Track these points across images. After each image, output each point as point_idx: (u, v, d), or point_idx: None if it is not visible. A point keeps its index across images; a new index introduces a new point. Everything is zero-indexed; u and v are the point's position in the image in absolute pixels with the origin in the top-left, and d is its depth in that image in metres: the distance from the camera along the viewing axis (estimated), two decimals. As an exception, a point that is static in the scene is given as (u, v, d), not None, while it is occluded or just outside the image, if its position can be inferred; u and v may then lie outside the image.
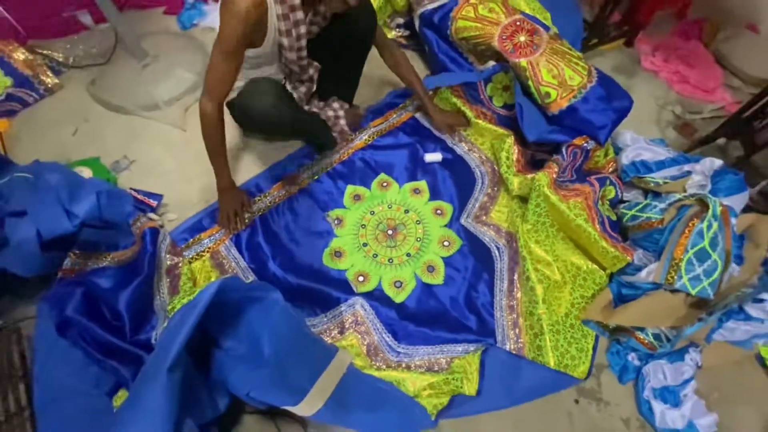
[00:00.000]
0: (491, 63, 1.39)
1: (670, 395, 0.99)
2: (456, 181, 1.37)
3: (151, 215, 1.17)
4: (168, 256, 1.09)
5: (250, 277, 1.14)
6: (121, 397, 0.90)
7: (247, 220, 1.24)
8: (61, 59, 1.54)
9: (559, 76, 1.28)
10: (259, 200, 1.29)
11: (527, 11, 1.48)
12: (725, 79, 1.76)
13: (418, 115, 1.51)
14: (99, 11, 1.63)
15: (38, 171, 1.04)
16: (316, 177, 1.35)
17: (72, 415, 0.86)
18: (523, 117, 1.26)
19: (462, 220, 1.29)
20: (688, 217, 1.04)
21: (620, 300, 1.10)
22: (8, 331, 1.03)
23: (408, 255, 1.23)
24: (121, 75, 1.48)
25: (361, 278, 1.17)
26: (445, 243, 1.25)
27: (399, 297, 1.15)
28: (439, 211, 1.31)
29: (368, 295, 1.14)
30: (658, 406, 0.98)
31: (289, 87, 1.23)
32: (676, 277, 0.99)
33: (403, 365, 1.04)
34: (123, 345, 0.92)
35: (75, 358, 0.92)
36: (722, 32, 1.84)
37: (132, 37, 1.43)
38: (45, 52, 1.52)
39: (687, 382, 1.00)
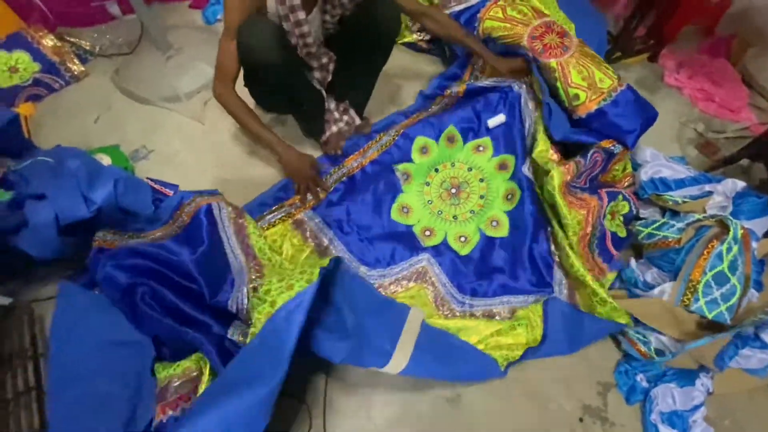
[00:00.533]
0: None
1: (679, 420, 0.96)
2: (520, 131, 1.32)
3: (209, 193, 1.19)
4: (231, 220, 1.10)
5: (329, 235, 1.21)
6: (164, 367, 0.91)
7: (330, 184, 1.28)
8: (87, 47, 1.57)
9: (589, 78, 1.24)
10: (334, 172, 1.32)
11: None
12: (751, 99, 1.73)
13: (469, 84, 1.43)
14: (127, 2, 1.67)
15: (59, 156, 1.06)
16: (383, 149, 1.35)
17: (86, 398, 0.86)
18: (551, 117, 1.24)
19: (524, 170, 1.27)
20: (708, 239, 1.02)
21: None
22: (21, 311, 1.05)
23: (472, 212, 1.27)
24: (145, 66, 1.51)
25: (427, 233, 1.23)
26: (509, 196, 1.27)
27: (464, 250, 1.21)
28: (503, 166, 1.30)
29: (434, 249, 1.21)
30: (665, 431, 0.96)
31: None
32: (692, 300, 0.97)
33: (468, 314, 1.10)
34: (190, 311, 0.94)
35: (97, 339, 0.93)
36: (751, 51, 1.80)
37: (157, 29, 1.45)
38: (73, 39, 1.55)
39: (697, 408, 0.97)
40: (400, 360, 0.88)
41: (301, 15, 1.04)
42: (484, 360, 0.98)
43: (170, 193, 1.20)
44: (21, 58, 1.42)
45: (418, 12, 1.24)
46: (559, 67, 1.27)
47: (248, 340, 0.82)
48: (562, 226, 1.16)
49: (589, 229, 1.14)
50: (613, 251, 1.16)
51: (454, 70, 1.55)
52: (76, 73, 1.50)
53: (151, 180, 1.21)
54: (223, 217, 1.10)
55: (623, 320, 1.03)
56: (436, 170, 1.32)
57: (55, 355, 0.94)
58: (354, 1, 1.14)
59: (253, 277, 0.94)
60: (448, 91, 1.43)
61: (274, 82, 1.13)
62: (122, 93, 1.50)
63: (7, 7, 1.46)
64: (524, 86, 1.35)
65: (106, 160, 1.26)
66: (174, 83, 1.47)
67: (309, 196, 1.25)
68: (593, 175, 1.27)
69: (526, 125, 1.32)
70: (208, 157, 1.37)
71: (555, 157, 1.21)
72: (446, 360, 0.94)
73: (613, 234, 1.20)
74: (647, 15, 1.64)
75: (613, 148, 1.24)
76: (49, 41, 1.46)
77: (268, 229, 1.20)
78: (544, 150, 1.20)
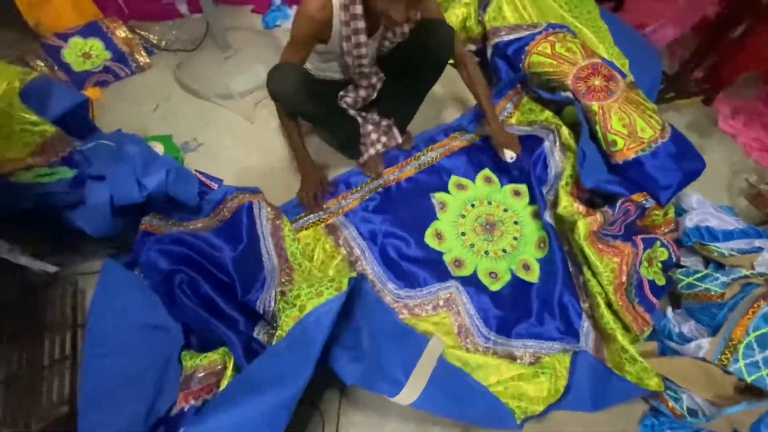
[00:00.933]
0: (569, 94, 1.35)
1: (706, 485, 0.91)
2: (544, 180, 1.36)
3: (251, 191, 1.22)
4: (269, 221, 1.13)
5: (361, 245, 1.22)
6: (192, 356, 0.93)
7: (366, 192, 1.33)
8: (154, 41, 1.67)
9: (630, 125, 1.24)
10: (371, 181, 1.36)
11: (605, 56, 1.46)
12: (811, 154, 1.64)
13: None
14: (194, 2, 1.77)
15: (120, 141, 1.13)
16: (421, 168, 1.41)
17: (116, 374, 0.90)
18: (584, 164, 1.23)
19: (546, 216, 1.27)
20: (754, 297, 0.98)
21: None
22: (66, 282, 1.11)
23: (504, 251, 1.26)
24: (205, 63, 1.59)
25: (457, 263, 1.22)
26: (541, 245, 1.27)
27: (494, 286, 1.19)
28: (537, 214, 1.31)
29: (464, 280, 1.19)
30: (690, 494, 0.91)
31: (350, 89, 1.27)
32: (731, 360, 0.93)
33: (490, 352, 1.07)
34: (222, 305, 0.97)
35: (133, 319, 0.97)
36: (815, 104, 1.72)
37: (221, 29, 1.53)
38: (142, 32, 1.66)
39: (727, 474, 0.92)
40: (411, 392, 0.86)
41: (363, 38, 1.08)
42: (500, 408, 0.94)
43: (215, 186, 1.25)
44: (95, 45, 1.52)
45: (458, 58, 1.28)
46: (600, 111, 1.26)
47: (274, 342, 0.84)
48: (594, 274, 1.12)
49: (624, 278, 1.10)
50: (653, 300, 1.12)
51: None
52: (141, 63, 1.60)
53: (199, 172, 1.26)
54: (261, 216, 1.14)
55: (653, 384, 0.98)
56: (473, 205, 1.34)
57: (92, 328, 0.98)
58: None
59: (283, 280, 0.96)
60: (479, 131, 1.47)
61: (308, 118, 1.24)
62: (181, 86, 1.58)
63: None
64: (552, 134, 1.36)
65: (159, 148, 1.33)
66: (229, 82, 1.54)
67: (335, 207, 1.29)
68: (630, 221, 1.24)
69: (551, 174, 1.34)
70: (254, 156, 1.42)
71: (581, 209, 1.19)
72: (459, 400, 0.92)
73: (651, 282, 1.16)
74: (706, 58, 1.61)
75: (645, 202, 1.21)
76: (121, 32, 1.56)
77: (300, 231, 1.23)
78: (568, 205, 1.20)
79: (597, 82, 1.30)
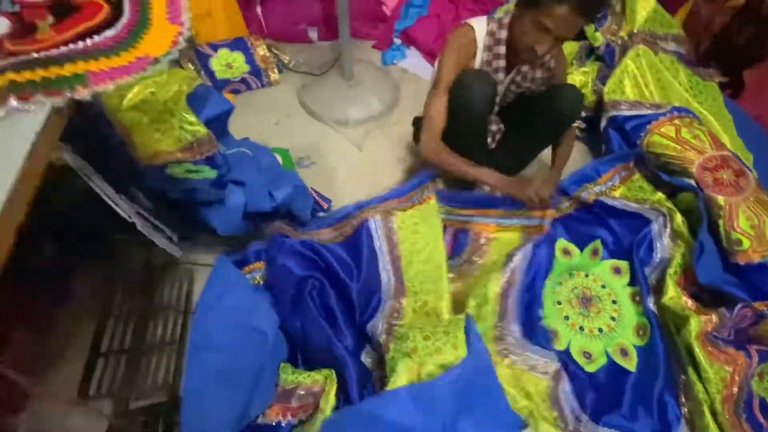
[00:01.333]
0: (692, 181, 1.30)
1: None
2: (648, 264, 1.28)
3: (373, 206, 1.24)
4: (384, 239, 1.14)
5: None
6: (293, 371, 0.96)
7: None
8: (285, 61, 1.83)
9: (758, 227, 1.17)
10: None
11: (729, 147, 1.41)
12: None
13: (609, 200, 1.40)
14: (323, 31, 1.93)
15: (257, 152, 1.23)
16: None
17: (218, 367, 0.94)
18: (701, 258, 1.17)
19: (649, 303, 1.20)
20: None
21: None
22: (182, 268, 1.20)
23: (600, 330, 1.20)
24: (327, 88, 1.71)
25: (551, 335, 1.18)
26: (640, 332, 1.20)
27: (589, 367, 1.14)
28: (637, 299, 1.25)
29: (557, 353, 1.13)
30: None
31: None
32: None
33: None
34: (340, 320, 1.01)
35: (236, 318, 1.02)
36: None
37: (349, 60, 1.64)
38: (276, 52, 1.81)
39: None
40: None
41: (501, 76, 1.14)
42: None
43: (325, 205, 1.32)
44: (237, 58, 1.68)
45: None
46: (727, 207, 1.21)
47: (388, 386, 0.83)
48: (700, 378, 1.04)
49: (735, 390, 1.02)
50: (763, 420, 1.03)
51: (593, 168, 1.44)
52: (272, 79, 1.75)
53: (313, 190, 1.33)
54: (378, 236, 1.15)
55: None
56: (571, 274, 1.30)
57: (199, 320, 1.05)
58: (543, 83, 1.21)
59: (394, 314, 0.98)
60: (578, 195, 1.39)
61: (471, 126, 1.18)
62: (302, 106, 1.70)
63: (242, 17, 1.76)
64: (662, 218, 1.31)
65: (278, 159, 1.43)
66: (346, 109, 1.65)
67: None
68: (741, 328, 1.15)
69: (656, 258, 1.27)
70: (358, 182, 1.48)
71: (690, 303, 1.12)
72: None
73: (762, 399, 1.06)
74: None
75: (767, 311, 1.11)
76: (261, 50, 1.72)
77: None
78: (675, 297, 1.13)
79: (725, 175, 1.26)
